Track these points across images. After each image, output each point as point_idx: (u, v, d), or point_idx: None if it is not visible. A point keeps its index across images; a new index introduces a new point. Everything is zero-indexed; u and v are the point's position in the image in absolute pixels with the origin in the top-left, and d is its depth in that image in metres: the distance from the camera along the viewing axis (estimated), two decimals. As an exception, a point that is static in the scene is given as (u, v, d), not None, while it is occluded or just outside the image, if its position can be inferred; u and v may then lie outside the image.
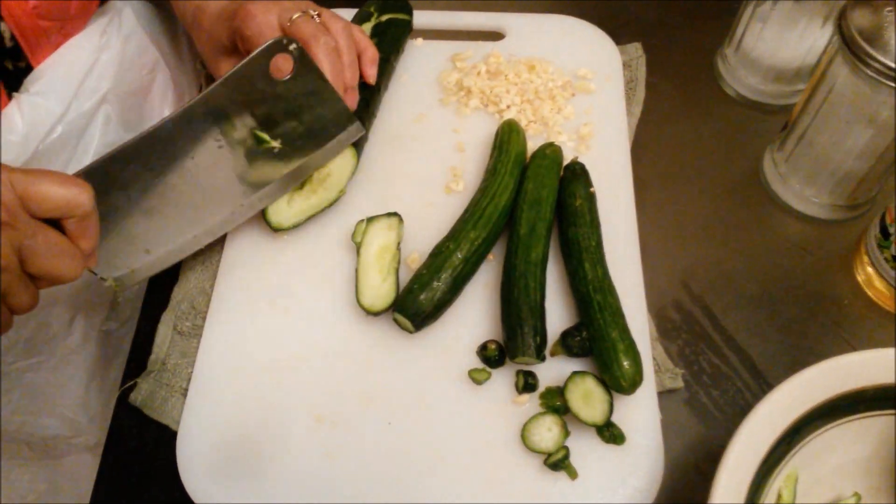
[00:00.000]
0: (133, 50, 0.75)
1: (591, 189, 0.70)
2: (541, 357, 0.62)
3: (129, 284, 0.66)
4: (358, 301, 0.65)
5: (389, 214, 0.69)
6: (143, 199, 0.62)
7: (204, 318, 0.68)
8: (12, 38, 0.62)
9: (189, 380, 0.65)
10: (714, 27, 0.87)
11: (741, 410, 0.65)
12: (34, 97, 0.64)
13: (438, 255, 0.65)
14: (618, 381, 0.60)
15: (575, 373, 0.62)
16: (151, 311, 0.70)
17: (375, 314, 0.65)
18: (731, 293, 0.71)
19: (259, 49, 0.62)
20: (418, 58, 0.83)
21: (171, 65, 0.82)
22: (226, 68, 0.71)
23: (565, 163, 0.73)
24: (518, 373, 0.63)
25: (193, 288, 0.70)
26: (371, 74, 0.73)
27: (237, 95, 0.63)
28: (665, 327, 0.69)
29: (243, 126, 0.65)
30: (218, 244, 0.72)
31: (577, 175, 0.71)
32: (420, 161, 0.76)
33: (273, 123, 0.66)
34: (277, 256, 0.70)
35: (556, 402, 0.62)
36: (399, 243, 0.68)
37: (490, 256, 0.69)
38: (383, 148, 0.76)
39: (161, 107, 0.82)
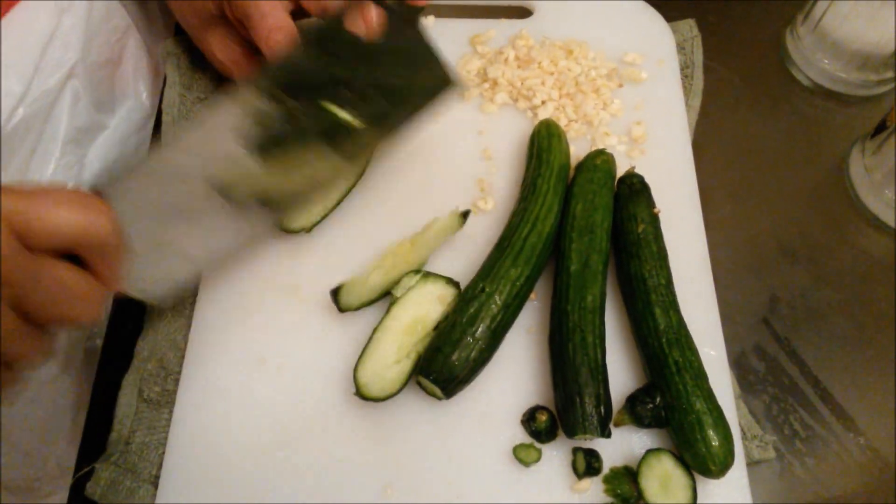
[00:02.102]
0: (100, 12, 0.61)
1: (656, 210, 0.57)
2: (606, 433, 0.49)
3: (167, 298, 0.53)
4: (354, 372, 0.51)
5: (449, 281, 0.54)
6: (187, 199, 0.50)
7: (177, 381, 0.54)
8: None
9: (160, 465, 0.51)
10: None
11: (843, 482, 0.53)
12: None
13: (472, 300, 0.52)
14: (705, 464, 0.48)
15: (650, 452, 0.49)
16: (110, 371, 0.56)
17: (366, 398, 0.50)
18: (820, 331, 0.59)
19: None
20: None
21: (142, 29, 0.68)
22: (213, 39, 0.59)
23: (618, 174, 0.59)
24: (576, 451, 0.51)
25: (162, 341, 0.56)
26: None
27: (310, 62, 0.49)
28: (747, 380, 0.57)
29: (316, 100, 0.51)
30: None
31: (635, 192, 0.57)
32: (438, 172, 0.62)
33: (354, 97, 0.51)
34: (267, 300, 0.57)
35: (625, 489, 0.49)
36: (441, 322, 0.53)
37: (532, 296, 0.56)
38: (392, 155, 0.62)
39: (135, 80, 0.68)
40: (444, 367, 0.50)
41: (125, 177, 0.47)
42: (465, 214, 0.56)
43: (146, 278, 0.51)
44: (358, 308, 0.54)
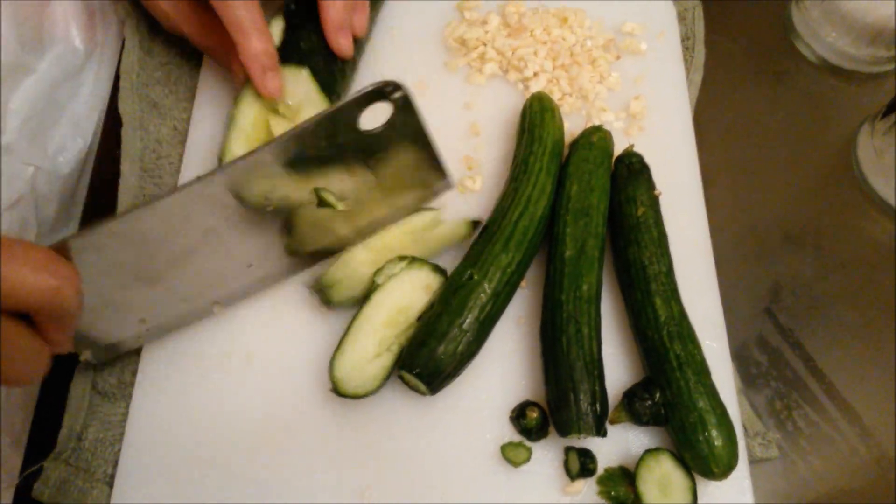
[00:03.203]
0: None
1: (656, 192, 0.53)
2: (601, 432, 0.45)
3: (109, 357, 0.49)
4: (330, 366, 0.46)
5: (435, 268, 0.50)
6: (148, 265, 0.47)
7: (134, 373, 0.50)
8: None
9: (115, 463, 0.47)
10: (787, -32, 0.70)
11: (848, 481, 0.51)
12: None
13: (459, 288, 0.48)
14: (706, 465, 0.44)
15: (648, 452, 0.46)
16: (61, 359, 0.51)
17: (343, 395, 0.46)
18: (826, 323, 0.56)
19: (355, 95, 0.45)
20: (413, 5, 0.63)
21: None
22: (181, 3, 0.54)
23: (616, 153, 0.55)
24: (569, 451, 0.47)
25: (119, 328, 0.51)
26: (361, 26, 0.56)
27: (309, 149, 0.46)
28: (748, 373, 0.53)
29: (305, 184, 0.48)
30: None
31: (635, 172, 0.53)
32: (422, 148, 0.57)
33: (343, 180, 0.49)
34: (235, 284, 0.52)
35: (620, 492, 0.46)
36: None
37: (522, 284, 0.52)
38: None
39: (66, 22, 0.61)
40: (429, 361, 0.45)
41: (90, 233, 0.44)
42: (475, 223, 0.52)
43: (91, 335, 0.47)
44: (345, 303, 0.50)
